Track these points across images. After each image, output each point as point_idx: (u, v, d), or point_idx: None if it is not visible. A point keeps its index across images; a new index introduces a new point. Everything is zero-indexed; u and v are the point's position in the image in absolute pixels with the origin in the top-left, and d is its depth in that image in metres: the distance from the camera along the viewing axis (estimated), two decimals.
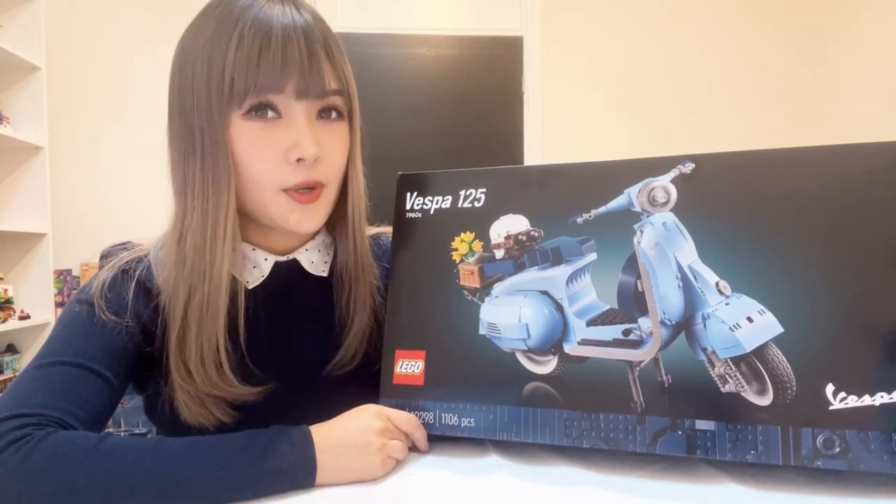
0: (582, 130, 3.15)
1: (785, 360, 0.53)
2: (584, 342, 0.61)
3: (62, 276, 2.77)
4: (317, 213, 0.67)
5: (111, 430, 2.02)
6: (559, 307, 0.63)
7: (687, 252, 0.59)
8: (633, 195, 0.62)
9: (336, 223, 0.74)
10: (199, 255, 0.64)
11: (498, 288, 0.66)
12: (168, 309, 0.65)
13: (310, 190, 0.65)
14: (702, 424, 0.55)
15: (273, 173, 0.63)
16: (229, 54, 0.61)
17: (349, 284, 0.72)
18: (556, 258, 0.64)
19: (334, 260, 0.75)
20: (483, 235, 0.67)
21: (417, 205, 0.71)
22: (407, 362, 0.67)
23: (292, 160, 0.63)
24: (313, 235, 0.75)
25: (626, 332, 0.59)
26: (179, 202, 0.66)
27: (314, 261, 0.74)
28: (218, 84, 0.61)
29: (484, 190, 0.69)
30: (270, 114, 0.63)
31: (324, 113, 0.66)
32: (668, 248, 0.59)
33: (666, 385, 0.57)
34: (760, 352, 0.54)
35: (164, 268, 0.66)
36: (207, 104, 0.62)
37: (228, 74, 0.61)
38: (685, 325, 0.57)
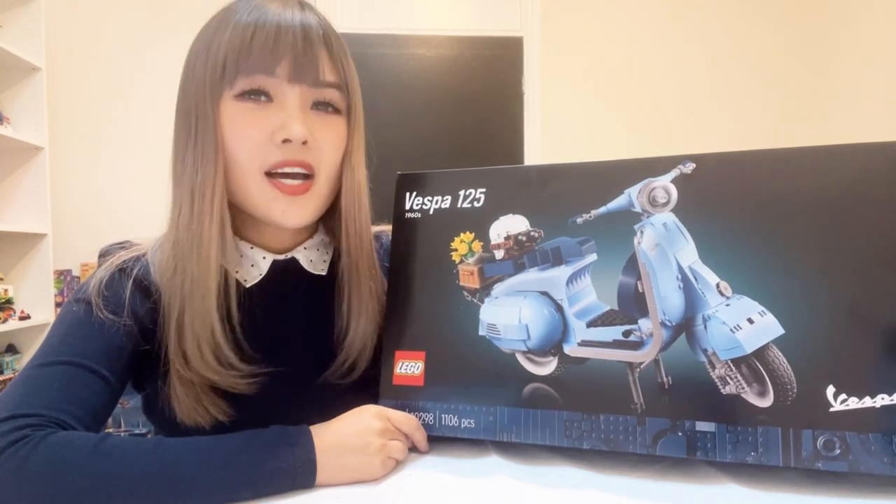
0: (582, 130, 3.15)
1: (785, 361, 0.53)
2: (584, 343, 0.61)
3: (62, 276, 2.77)
4: (304, 207, 0.66)
5: (111, 430, 2.02)
6: (559, 308, 0.63)
7: (687, 253, 0.58)
8: (633, 195, 0.61)
9: (332, 221, 0.74)
10: (186, 233, 0.64)
11: (498, 289, 0.65)
12: (167, 296, 0.65)
13: (303, 179, 0.65)
14: (702, 426, 0.55)
15: (256, 154, 0.64)
16: (225, 36, 0.63)
17: (347, 290, 0.72)
18: (556, 259, 0.64)
19: (336, 260, 0.75)
20: (483, 236, 0.67)
21: (417, 205, 0.71)
22: (407, 363, 0.67)
23: (278, 141, 0.63)
24: (312, 233, 0.75)
25: (627, 334, 0.59)
26: (177, 187, 0.67)
27: (313, 259, 0.74)
28: (213, 64, 0.63)
29: (483, 190, 0.68)
30: (262, 98, 0.64)
31: (320, 105, 0.66)
32: (668, 249, 0.59)
33: (666, 386, 0.57)
34: (761, 353, 0.54)
35: (163, 253, 0.67)
36: (202, 84, 0.64)
37: (222, 54, 0.63)
38: (686, 327, 0.57)
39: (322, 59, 0.64)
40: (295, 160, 0.64)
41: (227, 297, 0.66)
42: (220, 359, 0.64)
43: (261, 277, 0.71)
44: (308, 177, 0.65)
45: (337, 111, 0.67)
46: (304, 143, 0.64)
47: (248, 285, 0.70)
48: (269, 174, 0.64)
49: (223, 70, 0.63)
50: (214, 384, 0.65)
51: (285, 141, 0.63)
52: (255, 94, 0.63)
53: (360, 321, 0.71)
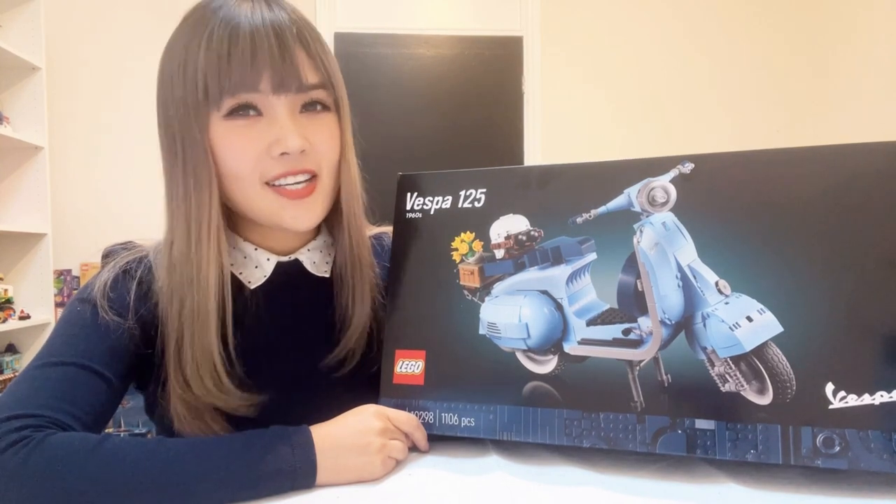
0: (582, 130, 3.15)
1: (785, 359, 0.53)
2: (584, 342, 0.61)
3: (62, 276, 2.78)
4: (312, 209, 0.66)
5: (111, 430, 2.02)
6: (559, 307, 0.63)
7: (686, 252, 0.59)
8: (632, 195, 0.62)
9: (333, 220, 0.74)
10: (185, 261, 0.64)
11: (498, 288, 0.66)
12: (165, 319, 0.65)
13: (306, 182, 0.65)
14: (702, 424, 0.55)
15: (255, 168, 0.63)
16: (200, 56, 0.61)
17: (348, 281, 0.72)
18: (556, 258, 0.64)
19: (336, 260, 0.75)
20: (483, 235, 0.67)
21: (418, 205, 0.71)
22: (407, 362, 0.67)
23: (276, 155, 0.63)
24: (314, 235, 0.75)
25: (626, 332, 0.59)
26: (169, 210, 0.66)
27: (316, 261, 0.74)
28: (192, 87, 0.61)
29: (484, 190, 0.69)
30: (251, 112, 0.63)
31: (308, 107, 0.65)
32: (667, 248, 0.59)
33: (666, 384, 0.57)
34: (760, 351, 0.54)
35: (159, 278, 0.66)
36: (185, 109, 0.62)
37: (201, 76, 0.61)
38: (685, 325, 0.57)
39: (302, 63, 0.63)
40: (296, 169, 0.64)
41: (227, 311, 0.65)
42: (220, 386, 0.64)
43: (265, 279, 0.71)
44: (311, 178, 0.65)
45: (326, 108, 0.67)
46: (302, 151, 0.63)
47: (252, 286, 0.70)
48: (271, 183, 0.64)
49: (205, 92, 0.61)
50: (216, 406, 0.65)
51: (283, 154, 0.62)
52: (244, 110, 0.62)
53: (364, 308, 0.71)
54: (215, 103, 0.61)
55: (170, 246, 0.65)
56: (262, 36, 0.61)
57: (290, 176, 0.64)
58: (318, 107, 0.66)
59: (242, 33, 0.60)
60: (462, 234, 0.68)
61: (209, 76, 0.60)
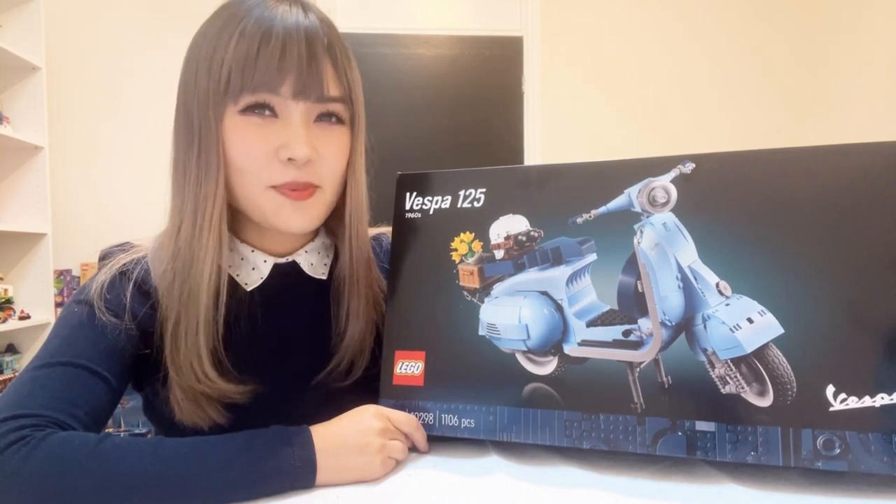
0: (582, 130, 3.15)
1: (785, 361, 0.53)
2: (584, 343, 0.61)
3: (62, 276, 2.77)
4: (308, 213, 0.66)
5: (111, 430, 2.02)
6: (559, 308, 0.63)
7: (687, 252, 0.58)
8: (633, 195, 0.61)
9: (336, 229, 0.74)
10: (187, 247, 0.64)
11: (498, 288, 0.66)
12: (165, 304, 0.65)
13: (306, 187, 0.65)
14: (702, 425, 0.55)
15: (262, 169, 0.63)
16: (229, 48, 0.62)
17: (345, 294, 0.72)
18: (555, 259, 0.64)
19: (335, 263, 0.75)
20: (483, 236, 0.67)
21: (417, 205, 0.71)
22: (407, 363, 0.67)
23: (283, 159, 0.63)
24: (313, 237, 0.75)
25: (627, 333, 0.59)
26: (177, 196, 0.66)
27: (313, 263, 0.74)
28: (216, 77, 0.62)
29: (483, 190, 0.69)
30: (267, 112, 0.63)
31: (323, 117, 0.66)
32: (668, 249, 0.59)
33: (666, 386, 0.57)
34: (761, 353, 0.54)
35: (162, 263, 0.66)
36: (206, 97, 0.63)
37: (226, 68, 0.62)
38: (685, 326, 0.57)
39: (326, 74, 0.64)
40: (300, 182, 0.64)
41: (220, 304, 0.65)
42: (209, 373, 0.64)
43: (262, 281, 0.71)
44: (310, 185, 0.65)
45: (341, 121, 0.67)
46: (308, 161, 0.63)
47: (248, 289, 0.70)
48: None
49: (227, 84, 0.62)
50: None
51: (289, 159, 0.63)
52: (260, 109, 0.63)
53: (357, 324, 0.71)
54: (234, 97, 0.62)
55: (177, 230, 0.65)
56: (293, 40, 0.61)
57: (293, 187, 0.64)
58: (333, 119, 0.66)
59: (275, 34, 0.61)
60: (461, 235, 0.68)
61: (234, 70, 0.61)
